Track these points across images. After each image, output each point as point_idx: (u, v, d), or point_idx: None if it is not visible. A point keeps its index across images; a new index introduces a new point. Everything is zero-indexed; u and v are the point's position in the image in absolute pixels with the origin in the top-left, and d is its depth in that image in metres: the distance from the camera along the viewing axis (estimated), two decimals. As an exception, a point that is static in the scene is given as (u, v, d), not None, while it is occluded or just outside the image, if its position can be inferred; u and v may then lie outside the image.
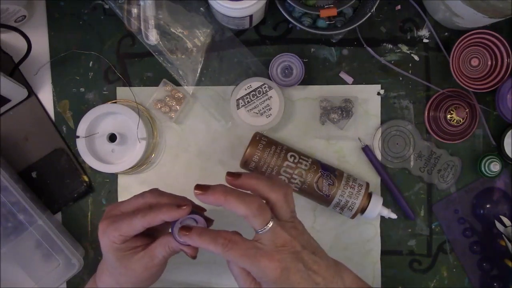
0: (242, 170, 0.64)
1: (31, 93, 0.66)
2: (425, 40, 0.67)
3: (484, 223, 0.67)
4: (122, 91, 0.67)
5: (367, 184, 0.64)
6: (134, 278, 0.51)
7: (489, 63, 0.64)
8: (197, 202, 0.48)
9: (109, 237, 0.49)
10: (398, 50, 0.67)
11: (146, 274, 0.51)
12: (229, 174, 0.47)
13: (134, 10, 0.64)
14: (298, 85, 0.65)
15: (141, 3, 0.64)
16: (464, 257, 0.68)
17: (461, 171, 0.67)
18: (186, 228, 0.46)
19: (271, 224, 0.45)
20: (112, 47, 0.67)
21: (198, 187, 0.45)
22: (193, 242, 0.46)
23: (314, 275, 0.46)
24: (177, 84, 0.66)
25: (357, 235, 0.67)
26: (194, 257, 0.50)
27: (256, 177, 0.47)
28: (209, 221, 0.52)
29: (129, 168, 0.64)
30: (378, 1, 0.60)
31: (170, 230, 0.50)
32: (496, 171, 0.65)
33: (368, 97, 0.67)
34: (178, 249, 0.50)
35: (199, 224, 0.50)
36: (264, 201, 0.46)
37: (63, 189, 0.67)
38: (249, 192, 0.46)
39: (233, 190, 0.45)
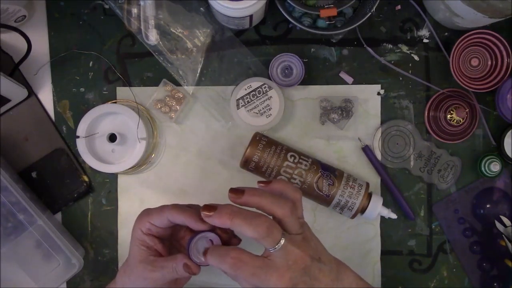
0: (242, 170, 0.65)
1: (31, 93, 0.66)
2: (425, 40, 0.67)
3: (484, 223, 0.67)
4: (122, 91, 0.67)
5: (367, 184, 0.64)
6: (148, 283, 0.52)
7: (489, 63, 0.64)
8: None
9: (139, 225, 0.51)
10: (398, 50, 0.67)
11: (148, 282, 0.51)
12: (232, 191, 0.46)
13: (134, 10, 0.64)
14: (298, 85, 0.65)
15: (141, 3, 0.64)
16: (464, 257, 0.68)
17: (461, 171, 0.67)
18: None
19: (282, 242, 0.44)
20: (112, 47, 0.67)
21: (205, 207, 0.45)
22: (206, 261, 0.46)
23: (317, 284, 0.46)
24: (177, 84, 0.66)
25: (357, 235, 0.67)
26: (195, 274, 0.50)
27: (259, 193, 0.45)
28: (234, 238, 0.51)
29: (129, 168, 0.64)
30: (378, 1, 0.60)
31: (187, 248, 0.50)
32: (496, 171, 0.65)
33: (368, 97, 0.67)
34: (187, 271, 0.49)
35: (215, 242, 0.49)
36: (272, 218, 0.45)
37: (63, 189, 0.67)
38: (255, 210, 0.45)
39: (240, 212, 0.44)
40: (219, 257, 0.44)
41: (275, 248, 0.44)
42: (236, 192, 0.46)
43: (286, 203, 0.45)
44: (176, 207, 0.51)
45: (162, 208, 0.52)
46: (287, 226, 0.46)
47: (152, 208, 0.53)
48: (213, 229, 0.49)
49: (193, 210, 0.51)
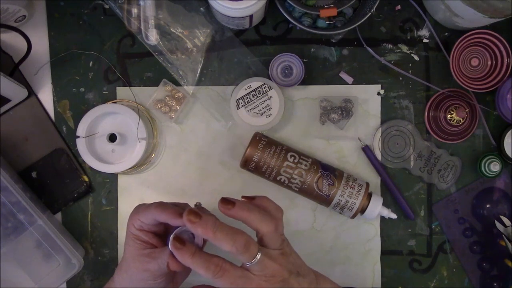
0: (242, 170, 0.65)
1: (31, 93, 0.66)
2: (425, 40, 0.67)
3: (484, 223, 0.67)
4: (122, 91, 0.67)
5: (367, 184, 0.64)
6: (147, 276, 0.52)
7: (489, 63, 0.64)
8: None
9: (131, 221, 0.52)
10: (398, 50, 0.67)
11: (147, 274, 0.52)
12: (223, 202, 0.47)
13: (134, 10, 0.64)
14: (298, 85, 0.65)
15: (141, 3, 0.64)
16: (464, 257, 0.68)
17: (461, 171, 0.67)
18: (179, 240, 0.47)
19: (258, 257, 0.45)
20: (112, 47, 0.67)
21: (190, 213, 0.45)
22: (183, 260, 0.46)
23: None
24: (177, 84, 0.66)
25: (357, 235, 0.67)
26: (171, 271, 0.51)
27: (248, 209, 0.47)
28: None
29: (129, 168, 0.64)
30: (378, 1, 0.60)
31: (168, 246, 0.50)
32: (496, 171, 0.65)
33: (368, 97, 0.67)
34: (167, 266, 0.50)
35: (196, 238, 0.50)
36: (256, 233, 0.47)
37: (63, 189, 0.67)
38: (238, 226, 0.47)
39: (222, 227, 0.45)
40: (202, 262, 0.45)
41: (252, 263, 0.45)
42: (227, 203, 0.47)
43: (272, 221, 0.47)
44: (159, 205, 0.51)
45: (149, 206, 0.52)
46: (269, 241, 0.47)
47: (142, 204, 0.54)
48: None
49: (175, 208, 0.51)
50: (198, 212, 0.45)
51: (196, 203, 0.57)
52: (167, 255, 0.50)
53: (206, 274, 0.45)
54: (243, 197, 0.50)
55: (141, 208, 0.53)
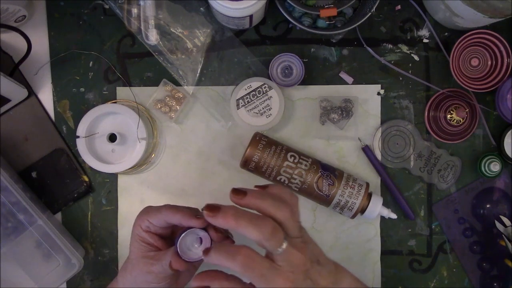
0: (242, 170, 0.65)
1: (31, 93, 0.66)
2: (425, 40, 0.67)
3: (484, 223, 0.67)
4: (122, 91, 0.67)
5: (367, 184, 0.64)
6: (151, 278, 0.52)
7: (489, 63, 0.64)
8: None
9: (138, 222, 0.52)
10: (398, 50, 0.67)
11: (151, 277, 0.52)
12: (234, 192, 0.45)
13: (134, 10, 0.64)
14: (298, 85, 0.65)
15: (141, 3, 0.64)
16: (464, 257, 0.68)
17: (461, 171, 0.67)
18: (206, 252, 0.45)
19: (285, 246, 0.44)
20: (112, 47, 0.67)
21: (208, 207, 0.44)
22: (209, 258, 0.44)
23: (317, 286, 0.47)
24: (177, 84, 0.66)
25: (357, 235, 0.67)
26: (175, 271, 0.51)
27: (260, 196, 0.45)
28: (227, 239, 0.51)
29: (129, 168, 0.64)
30: (378, 1, 0.60)
31: (175, 246, 0.50)
32: (496, 171, 0.65)
33: (368, 97, 0.67)
34: (171, 266, 0.50)
35: (204, 241, 0.49)
36: (275, 222, 0.45)
37: (63, 189, 0.67)
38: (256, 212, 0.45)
39: (244, 214, 0.43)
40: (228, 255, 0.43)
41: (278, 251, 0.44)
42: (238, 192, 0.45)
43: (286, 206, 0.45)
44: (171, 207, 0.52)
45: (160, 208, 0.52)
46: (288, 229, 0.45)
47: (152, 206, 0.54)
48: (204, 227, 0.50)
49: (188, 209, 0.51)
50: (216, 204, 0.44)
51: (202, 209, 0.57)
52: (169, 256, 0.50)
53: (232, 267, 0.43)
54: (255, 187, 0.48)
55: (151, 209, 0.53)
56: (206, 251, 0.45)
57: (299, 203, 0.48)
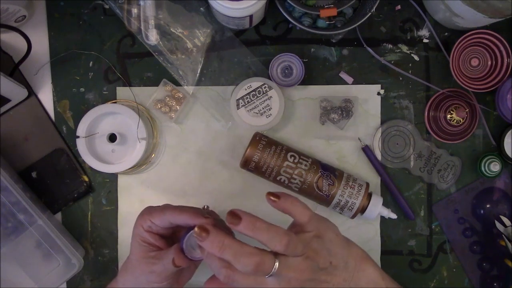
0: (242, 170, 0.65)
1: (31, 93, 0.66)
2: (425, 40, 0.67)
3: (484, 223, 0.67)
4: (122, 91, 0.67)
5: (367, 184, 0.64)
6: (153, 278, 0.52)
7: (489, 63, 0.64)
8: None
9: (140, 221, 0.52)
10: (398, 50, 0.67)
11: (153, 276, 0.52)
12: (230, 215, 0.45)
13: (134, 10, 0.64)
14: (298, 85, 0.65)
15: (141, 3, 0.64)
16: (464, 257, 0.68)
17: (461, 171, 0.67)
18: (203, 228, 0.45)
19: (276, 267, 0.44)
20: (112, 47, 0.67)
21: (200, 229, 0.44)
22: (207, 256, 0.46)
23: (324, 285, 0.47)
24: (177, 84, 0.66)
25: (357, 235, 0.67)
26: (178, 267, 0.51)
27: (254, 227, 0.44)
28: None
29: (129, 168, 0.64)
30: (378, 1, 0.60)
31: (181, 243, 0.50)
32: (496, 171, 0.65)
33: (368, 97, 0.67)
34: (174, 264, 0.50)
35: None
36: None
37: (63, 189, 0.67)
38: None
39: (230, 244, 0.44)
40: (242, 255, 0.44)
41: (270, 274, 0.44)
42: (234, 217, 0.44)
43: (281, 241, 0.44)
44: (176, 208, 0.52)
45: (164, 209, 0.52)
46: (290, 254, 0.45)
47: (154, 206, 0.54)
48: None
49: (193, 208, 0.52)
50: (207, 228, 0.44)
51: (204, 206, 0.57)
52: (172, 254, 0.50)
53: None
54: (268, 194, 0.48)
55: (154, 210, 0.53)
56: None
57: (311, 212, 0.48)
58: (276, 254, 0.45)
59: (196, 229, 0.44)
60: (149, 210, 0.53)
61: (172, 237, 0.55)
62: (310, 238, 0.47)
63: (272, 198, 0.47)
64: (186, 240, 0.50)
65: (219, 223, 0.56)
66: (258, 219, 0.45)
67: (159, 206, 0.54)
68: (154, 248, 0.53)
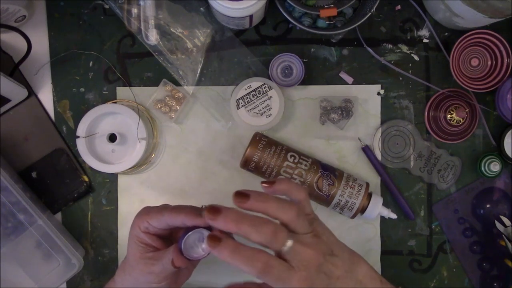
0: (242, 170, 0.65)
1: (31, 93, 0.66)
2: (425, 40, 0.67)
3: (484, 223, 0.67)
4: (122, 91, 0.67)
5: (367, 184, 0.64)
6: (151, 278, 0.52)
7: (489, 63, 0.64)
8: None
9: (137, 222, 0.52)
10: (398, 50, 0.67)
11: (151, 277, 0.52)
12: (237, 195, 0.45)
13: (134, 10, 0.64)
14: (298, 85, 0.65)
15: (141, 3, 0.64)
16: (464, 257, 0.68)
17: (461, 171, 0.67)
18: (214, 238, 0.44)
19: (289, 245, 0.44)
20: (112, 47, 0.67)
21: (210, 210, 0.44)
22: (222, 256, 0.43)
23: (333, 280, 0.46)
24: (177, 84, 0.66)
25: (357, 235, 0.67)
26: (177, 268, 0.51)
27: (264, 199, 0.45)
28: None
29: (129, 168, 0.64)
30: (378, 1, 0.60)
31: (179, 244, 0.50)
32: (496, 171, 0.65)
33: (368, 97, 0.67)
34: (173, 265, 0.50)
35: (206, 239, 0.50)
36: (279, 222, 0.45)
37: (63, 189, 0.67)
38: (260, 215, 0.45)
39: (245, 217, 0.43)
40: (246, 259, 0.43)
41: (284, 250, 0.44)
42: (241, 196, 0.44)
43: (291, 208, 0.45)
44: (174, 210, 0.51)
45: (162, 210, 0.52)
46: (295, 228, 0.45)
47: (152, 207, 0.54)
48: (208, 226, 0.49)
49: (191, 208, 0.51)
50: (217, 206, 0.44)
51: (202, 206, 0.57)
52: (171, 255, 0.50)
53: (250, 271, 0.43)
54: (262, 182, 0.47)
55: (152, 211, 0.52)
56: (216, 240, 0.44)
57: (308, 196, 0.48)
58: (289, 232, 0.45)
59: (206, 212, 0.43)
60: (147, 211, 0.53)
61: (169, 237, 0.55)
62: (312, 219, 0.47)
63: (267, 185, 0.47)
64: (185, 241, 0.50)
65: None
66: (266, 193, 0.45)
67: (157, 207, 0.54)
68: (151, 249, 0.52)
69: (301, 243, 0.44)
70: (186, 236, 0.50)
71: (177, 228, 0.55)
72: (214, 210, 0.43)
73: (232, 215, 0.43)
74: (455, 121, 0.66)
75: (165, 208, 0.52)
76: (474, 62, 0.64)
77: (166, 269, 0.51)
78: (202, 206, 0.56)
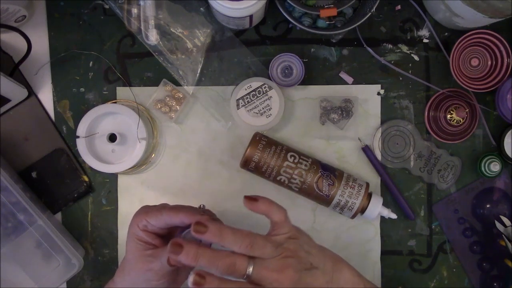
0: (242, 170, 0.65)
1: (31, 93, 0.66)
2: (425, 40, 0.67)
3: (484, 223, 0.67)
4: (122, 91, 0.67)
5: (367, 184, 0.64)
6: (150, 276, 0.52)
7: (489, 63, 0.64)
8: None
9: (136, 220, 0.53)
10: (398, 50, 0.67)
11: (150, 274, 0.52)
12: (196, 225, 0.45)
13: (134, 10, 0.64)
14: (298, 85, 0.65)
15: (141, 3, 0.64)
16: (464, 257, 0.68)
17: (461, 171, 0.67)
18: (177, 245, 0.45)
19: (251, 270, 0.45)
20: (112, 47, 0.67)
21: (172, 245, 0.45)
22: (188, 263, 0.45)
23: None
24: (177, 84, 0.66)
25: (357, 235, 0.67)
26: (173, 266, 0.51)
27: (219, 233, 0.45)
28: None
29: (129, 168, 0.64)
30: (378, 1, 0.60)
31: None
32: (496, 171, 0.65)
33: (368, 97, 0.67)
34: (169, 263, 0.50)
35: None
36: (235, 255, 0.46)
37: (63, 189, 0.67)
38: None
39: (204, 252, 0.45)
40: (209, 261, 0.45)
41: (246, 277, 0.45)
42: (199, 226, 0.45)
43: (243, 240, 0.45)
44: (172, 209, 0.52)
45: (161, 209, 0.52)
46: (258, 255, 0.46)
47: (150, 206, 0.54)
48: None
49: (190, 207, 0.52)
50: (179, 242, 0.45)
51: (200, 205, 0.57)
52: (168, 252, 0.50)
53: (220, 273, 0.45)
54: (245, 197, 0.49)
55: (150, 210, 0.53)
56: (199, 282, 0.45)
57: (288, 214, 0.49)
58: (251, 258, 0.46)
59: (169, 246, 0.45)
60: (145, 210, 0.53)
61: (168, 236, 0.55)
62: (284, 239, 0.48)
63: (249, 200, 0.49)
64: (183, 237, 0.50)
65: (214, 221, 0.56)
66: (224, 226, 0.46)
67: (156, 206, 0.54)
68: (150, 247, 0.53)
69: (266, 268, 0.46)
70: (182, 235, 0.50)
71: (176, 227, 0.55)
72: (176, 245, 0.45)
73: (191, 251, 0.45)
74: (455, 121, 0.66)
75: (164, 207, 0.53)
76: (474, 62, 0.64)
77: (165, 267, 0.51)
78: (201, 205, 0.56)
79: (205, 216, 0.51)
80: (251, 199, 0.49)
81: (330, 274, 0.49)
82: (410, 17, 0.67)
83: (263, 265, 0.46)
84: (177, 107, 0.66)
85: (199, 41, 0.66)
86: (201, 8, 0.66)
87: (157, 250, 0.52)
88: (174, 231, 0.56)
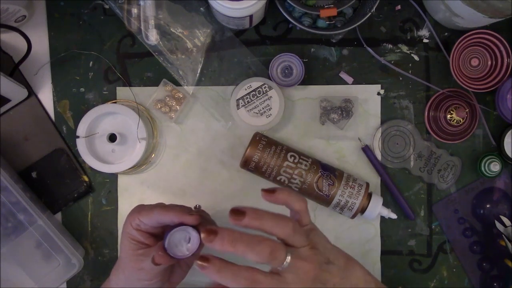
0: (242, 170, 0.65)
1: (31, 93, 0.66)
2: (425, 40, 0.67)
3: (484, 223, 0.67)
4: (122, 91, 0.67)
5: (367, 184, 0.64)
6: (142, 275, 0.52)
7: (489, 63, 0.64)
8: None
9: (130, 219, 0.53)
10: (398, 50, 0.67)
11: (142, 273, 0.52)
12: (233, 213, 0.43)
13: (134, 10, 0.64)
14: (298, 85, 0.65)
15: (141, 3, 0.64)
16: (464, 257, 0.68)
17: (461, 171, 0.67)
18: (204, 259, 0.43)
19: (289, 260, 0.43)
20: (112, 47, 0.67)
21: (206, 231, 0.43)
22: (210, 276, 0.43)
23: (328, 286, 0.46)
24: (177, 84, 0.66)
25: (357, 235, 0.67)
26: (158, 265, 0.50)
27: (260, 216, 0.44)
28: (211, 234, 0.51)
29: (129, 168, 0.64)
30: (378, 1, 0.60)
31: (163, 242, 0.50)
32: (496, 171, 0.65)
33: (368, 97, 0.67)
34: (159, 262, 0.50)
35: (192, 239, 0.50)
36: (276, 237, 0.45)
37: (63, 189, 0.67)
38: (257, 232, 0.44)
39: (241, 237, 0.42)
40: (232, 275, 0.42)
41: (283, 267, 0.43)
42: (236, 213, 0.43)
43: (287, 224, 0.44)
44: (162, 208, 0.52)
45: (152, 208, 0.52)
46: (293, 243, 0.45)
47: (144, 205, 0.54)
48: (195, 225, 0.50)
49: (181, 207, 0.52)
50: (214, 228, 0.43)
51: (196, 205, 0.57)
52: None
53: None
54: (263, 190, 0.47)
55: (143, 208, 0.53)
56: (205, 260, 0.43)
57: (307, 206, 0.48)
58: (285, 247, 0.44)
59: (203, 234, 0.43)
60: (139, 209, 0.54)
61: (162, 235, 0.55)
62: (308, 230, 0.47)
63: (267, 192, 0.47)
64: (169, 238, 0.50)
65: (206, 222, 0.56)
66: (261, 210, 0.44)
67: (149, 205, 0.54)
68: (143, 246, 0.53)
69: (299, 257, 0.44)
70: (170, 234, 0.50)
71: (169, 226, 0.56)
72: (210, 231, 0.42)
73: (228, 236, 0.42)
74: (455, 121, 0.66)
75: (156, 206, 0.53)
76: (474, 62, 0.64)
77: (156, 266, 0.51)
78: (196, 205, 0.56)
79: (195, 216, 0.50)
80: (269, 191, 0.46)
81: (344, 271, 0.48)
82: (410, 17, 0.67)
83: (298, 254, 0.44)
84: (177, 107, 0.66)
85: (199, 41, 0.66)
86: (201, 8, 0.66)
87: (149, 249, 0.52)
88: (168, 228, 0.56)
